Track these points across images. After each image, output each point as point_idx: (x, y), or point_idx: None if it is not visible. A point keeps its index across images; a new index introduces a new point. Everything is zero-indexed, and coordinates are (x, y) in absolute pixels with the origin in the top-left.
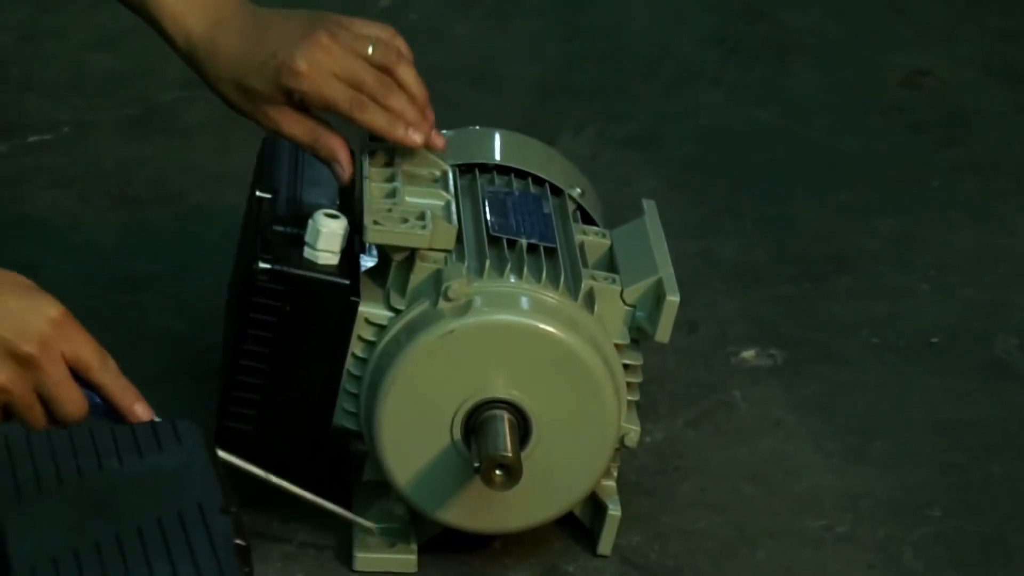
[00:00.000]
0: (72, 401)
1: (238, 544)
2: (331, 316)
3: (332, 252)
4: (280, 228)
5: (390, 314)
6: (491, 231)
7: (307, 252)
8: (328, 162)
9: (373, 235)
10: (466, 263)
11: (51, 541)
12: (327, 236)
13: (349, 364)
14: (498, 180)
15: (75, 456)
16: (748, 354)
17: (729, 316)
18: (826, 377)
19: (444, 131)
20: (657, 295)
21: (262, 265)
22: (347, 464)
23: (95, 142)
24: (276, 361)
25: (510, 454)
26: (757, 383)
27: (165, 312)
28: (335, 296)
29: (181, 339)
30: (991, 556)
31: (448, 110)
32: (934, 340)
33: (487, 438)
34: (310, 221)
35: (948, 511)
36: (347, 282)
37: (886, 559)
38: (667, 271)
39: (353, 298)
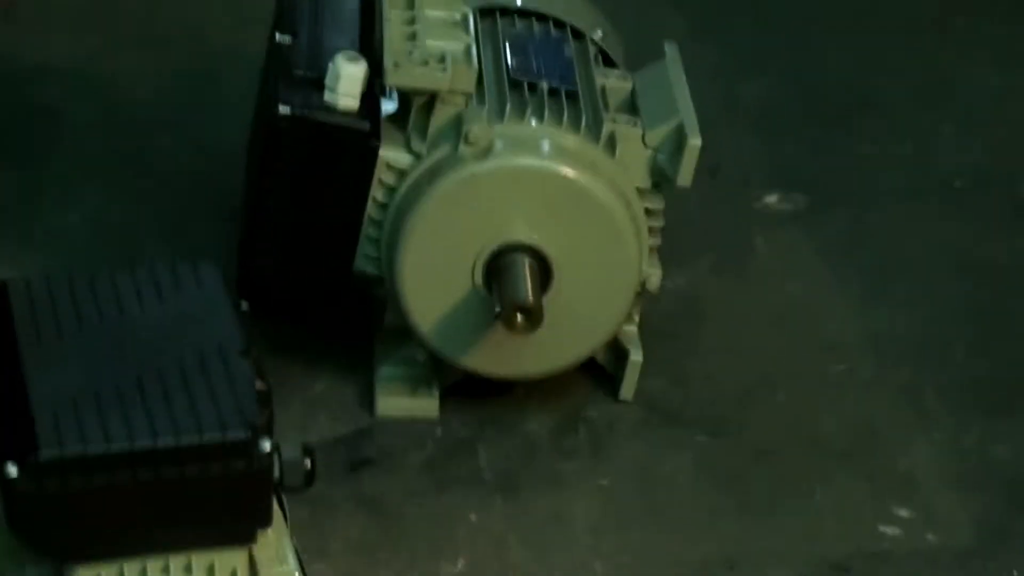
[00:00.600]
0: None
1: (259, 389)
2: (352, 161)
3: (352, 96)
4: (300, 72)
5: (411, 158)
6: (512, 74)
7: (327, 96)
8: None
9: (394, 77)
10: (487, 106)
11: (71, 383)
12: (347, 80)
13: (370, 209)
14: (519, 23)
15: (95, 300)
16: (771, 199)
17: (752, 160)
18: (849, 220)
19: None
20: (679, 139)
21: (283, 110)
22: (369, 309)
23: None
24: (297, 205)
25: (531, 298)
26: (780, 227)
27: (187, 153)
28: (357, 141)
29: (202, 180)
30: (1014, 397)
31: None
32: (958, 183)
33: (508, 283)
34: (330, 64)
35: (971, 352)
36: (369, 127)
37: (909, 401)
38: (689, 114)
39: (375, 143)
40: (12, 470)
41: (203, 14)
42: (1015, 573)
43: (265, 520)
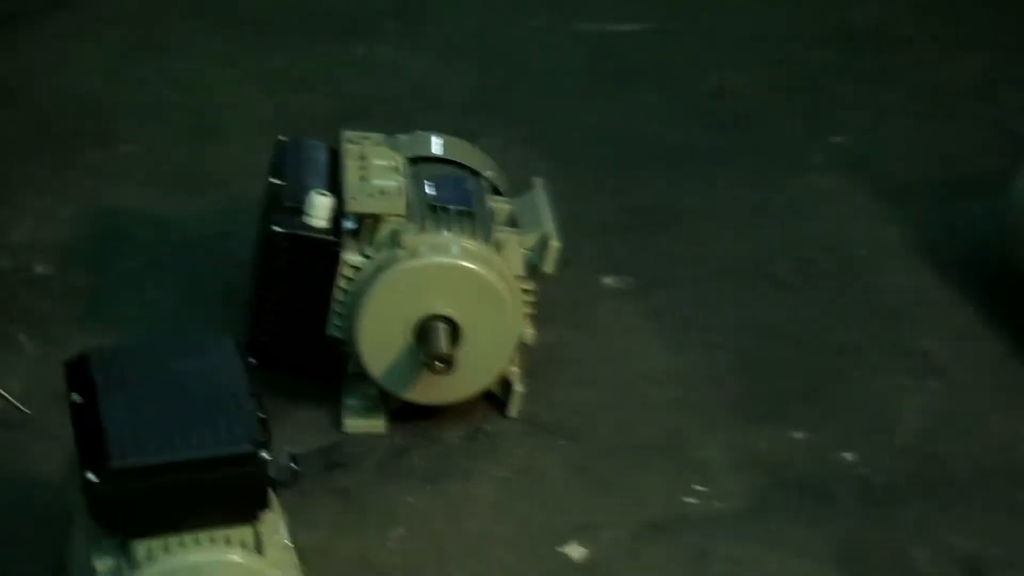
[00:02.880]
0: None
1: (260, 417)
2: (324, 263)
3: (323, 219)
4: (288, 203)
5: (363, 259)
6: (431, 201)
7: (306, 219)
8: None
9: (352, 206)
10: (415, 223)
11: (132, 415)
12: (320, 208)
13: (336, 294)
14: (435, 167)
15: (150, 360)
16: (608, 280)
17: (595, 255)
18: (662, 295)
19: (399, 135)
20: (545, 241)
21: (276, 229)
22: (339, 362)
23: (167, 150)
24: (287, 294)
25: (447, 352)
26: (615, 300)
27: (214, 263)
28: (326, 249)
29: (223, 281)
30: (772, 406)
31: (403, 121)
32: (734, 266)
33: (431, 340)
34: (307, 198)
35: (742, 380)
36: (334, 239)
37: (702, 415)
38: (551, 226)
39: (338, 249)
40: (92, 476)
41: (224, 170)
42: (771, 527)
43: (264, 505)
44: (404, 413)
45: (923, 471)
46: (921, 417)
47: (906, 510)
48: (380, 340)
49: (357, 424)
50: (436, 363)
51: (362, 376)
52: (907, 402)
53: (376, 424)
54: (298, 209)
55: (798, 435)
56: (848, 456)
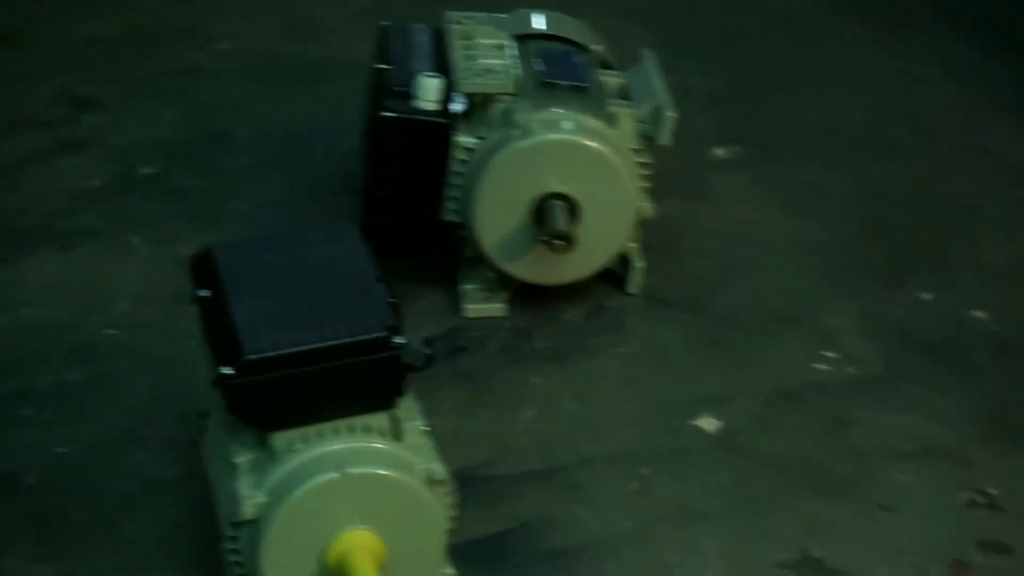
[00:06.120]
0: None
1: (391, 302)
2: (436, 145)
3: (433, 101)
4: (396, 88)
5: (476, 140)
6: (541, 78)
7: (416, 102)
8: None
9: (461, 86)
10: (526, 101)
11: (263, 308)
12: (429, 90)
13: (451, 177)
14: (544, 43)
15: (274, 252)
16: (720, 152)
17: (704, 126)
18: (774, 164)
19: (502, 15)
20: (658, 113)
21: (385, 114)
22: (454, 246)
23: (262, 43)
24: (401, 180)
25: (566, 229)
26: (727, 171)
27: (321, 154)
28: (438, 131)
29: (333, 170)
30: (897, 269)
31: (499, 1)
32: (848, 131)
33: (549, 219)
34: (415, 81)
35: (863, 245)
36: (445, 121)
37: (825, 280)
38: (665, 97)
39: (449, 131)
40: (227, 370)
41: (323, 63)
42: (908, 390)
43: (401, 391)
44: (523, 295)
45: None
46: None
47: None
48: (497, 222)
49: (477, 308)
50: (556, 241)
51: (480, 259)
52: None
53: (496, 307)
54: (406, 93)
55: (927, 296)
56: (979, 314)
